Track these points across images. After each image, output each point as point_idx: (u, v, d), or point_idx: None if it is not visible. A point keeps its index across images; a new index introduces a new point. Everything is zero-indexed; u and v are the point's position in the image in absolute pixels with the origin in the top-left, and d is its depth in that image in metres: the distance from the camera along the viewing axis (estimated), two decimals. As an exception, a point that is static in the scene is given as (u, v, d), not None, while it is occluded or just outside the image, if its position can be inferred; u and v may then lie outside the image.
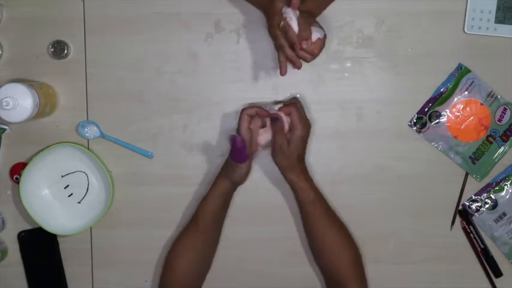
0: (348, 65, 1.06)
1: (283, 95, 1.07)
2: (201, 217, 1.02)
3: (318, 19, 0.97)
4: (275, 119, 0.99)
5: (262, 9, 0.99)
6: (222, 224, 1.06)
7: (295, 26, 0.91)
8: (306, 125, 1.00)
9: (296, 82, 1.07)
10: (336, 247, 1.01)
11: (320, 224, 1.01)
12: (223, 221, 1.06)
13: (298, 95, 1.07)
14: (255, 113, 1.00)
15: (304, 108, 1.04)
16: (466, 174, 1.08)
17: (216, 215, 1.03)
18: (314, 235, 1.02)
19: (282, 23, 0.91)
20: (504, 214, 1.08)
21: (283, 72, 0.96)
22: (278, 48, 0.95)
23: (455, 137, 1.07)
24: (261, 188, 1.08)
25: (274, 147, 0.99)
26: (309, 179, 1.01)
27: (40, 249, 1.09)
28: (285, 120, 0.99)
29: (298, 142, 0.98)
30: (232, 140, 0.97)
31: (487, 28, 1.04)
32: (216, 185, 1.02)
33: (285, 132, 0.99)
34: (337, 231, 1.02)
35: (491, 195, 1.08)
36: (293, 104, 1.00)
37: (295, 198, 1.02)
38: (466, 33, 1.05)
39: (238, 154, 0.97)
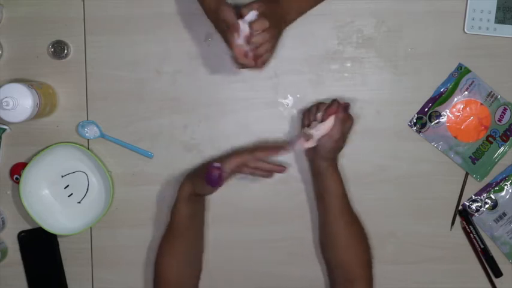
0: (348, 65, 1.06)
1: (283, 95, 1.07)
2: (174, 222, 1.01)
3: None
4: (346, 108, 0.99)
5: (209, 17, 0.96)
6: (202, 226, 1.05)
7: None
8: (350, 120, 0.99)
9: (296, 82, 1.07)
10: (353, 245, 1.01)
11: (341, 220, 1.01)
12: (202, 223, 1.05)
13: (298, 95, 1.07)
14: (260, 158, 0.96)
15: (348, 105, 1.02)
16: (466, 174, 1.08)
17: (190, 218, 1.02)
18: (332, 229, 1.01)
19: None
20: (504, 214, 1.08)
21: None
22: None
23: (455, 137, 1.07)
24: (262, 189, 1.08)
25: (332, 135, 0.96)
26: (340, 174, 1.01)
27: (40, 249, 1.09)
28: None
29: (346, 137, 0.99)
30: (209, 171, 0.93)
31: (487, 28, 1.04)
32: (181, 190, 1.00)
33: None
34: (356, 230, 1.02)
35: (491, 195, 1.08)
36: (336, 103, 0.98)
37: (319, 189, 1.02)
38: (466, 33, 1.05)
39: (212, 181, 0.94)
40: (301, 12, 1.00)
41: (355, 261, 1.00)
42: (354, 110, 1.06)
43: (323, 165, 1.00)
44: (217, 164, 0.94)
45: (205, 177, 0.95)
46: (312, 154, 1.01)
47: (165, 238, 1.03)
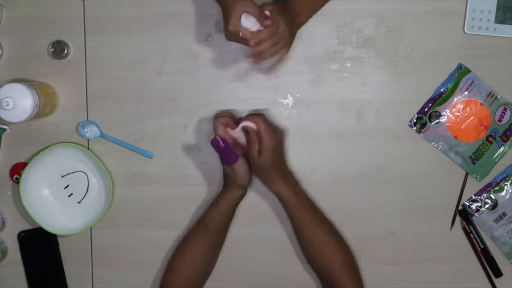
0: (348, 65, 1.06)
1: (283, 95, 1.07)
2: (213, 222, 1.02)
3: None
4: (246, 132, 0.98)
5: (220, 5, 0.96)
6: (229, 227, 1.06)
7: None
8: (274, 134, 0.98)
9: (296, 82, 1.07)
10: (326, 250, 1.01)
11: (308, 229, 1.01)
12: (229, 225, 1.06)
13: (298, 95, 1.07)
14: (225, 122, 0.99)
15: (270, 119, 1.04)
16: (466, 174, 1.08)
17: (227, 220, 1.04)
18: (303, 239, 1.02)
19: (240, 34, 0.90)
20: (504, 214, 1.08)
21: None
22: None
23: (455, 137, 1.07)
24: (261, 188, 1.08)
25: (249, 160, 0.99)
26: (290, 184, 1.01)
27: (40, 249, 1.09)
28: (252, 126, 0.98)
29: (268, 152, 0.96)
30: (215, 142, 0.95)
31: (487, 28, 1.04)
32: (229, 193, 1.01)
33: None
34: (326, 234, 1.02)
35: (491, 195, 1.08)
36: (259, 114, 1.00)
37: (281, 205, 1.02)
38: (466, 33, 1.05)
39: (226, 155, 0.96)
40: (311, 12, 1.00)
41: (335, 265, 1.00)
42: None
43: (268, 185, 1.01)
44: (213, 138, 0.95)
45: (221, 159, 0.97)
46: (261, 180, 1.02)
47: (195, 235, 1.04)
